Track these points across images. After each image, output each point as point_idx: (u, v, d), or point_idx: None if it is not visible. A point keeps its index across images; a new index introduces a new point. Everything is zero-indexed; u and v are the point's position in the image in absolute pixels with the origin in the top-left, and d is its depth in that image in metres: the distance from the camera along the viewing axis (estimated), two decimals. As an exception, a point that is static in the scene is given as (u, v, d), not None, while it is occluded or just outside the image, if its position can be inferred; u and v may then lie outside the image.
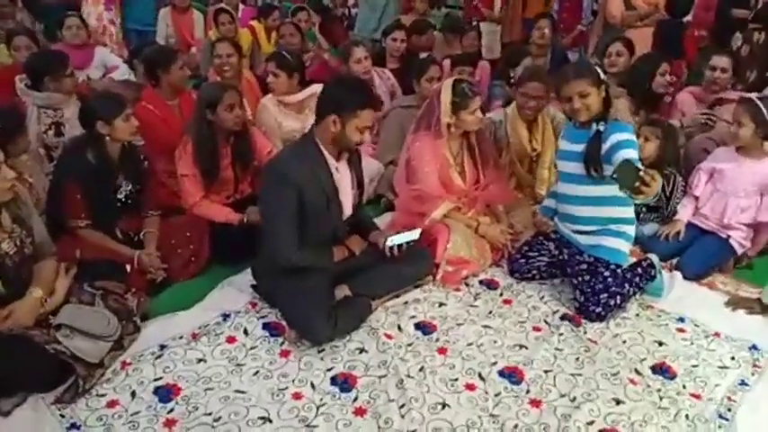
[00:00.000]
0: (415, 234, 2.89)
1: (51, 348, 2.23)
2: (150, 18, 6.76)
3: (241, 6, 7.10)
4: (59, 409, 2.21)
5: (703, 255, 3.24)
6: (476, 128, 3.27)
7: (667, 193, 3.51)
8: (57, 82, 3.54)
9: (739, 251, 3.30)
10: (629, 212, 2.95)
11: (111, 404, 2.25)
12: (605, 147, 2.73)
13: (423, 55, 5.35)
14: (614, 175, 2.33)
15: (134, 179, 3.04)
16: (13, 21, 5.74)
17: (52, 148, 3.52)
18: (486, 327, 2.77)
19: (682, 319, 2.86)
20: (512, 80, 4.72)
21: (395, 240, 2.82)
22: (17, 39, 4.43)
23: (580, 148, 2.86)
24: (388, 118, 4.21)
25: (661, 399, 2.36)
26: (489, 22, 6.23)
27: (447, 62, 5.00)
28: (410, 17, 6.39)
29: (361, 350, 2.58)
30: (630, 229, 2.95)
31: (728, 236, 3.27)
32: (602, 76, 2.83)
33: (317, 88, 4.10)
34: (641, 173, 2.23)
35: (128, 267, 2.83)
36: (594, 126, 2.80)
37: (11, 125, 2.83)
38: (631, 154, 2.60)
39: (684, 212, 3.42)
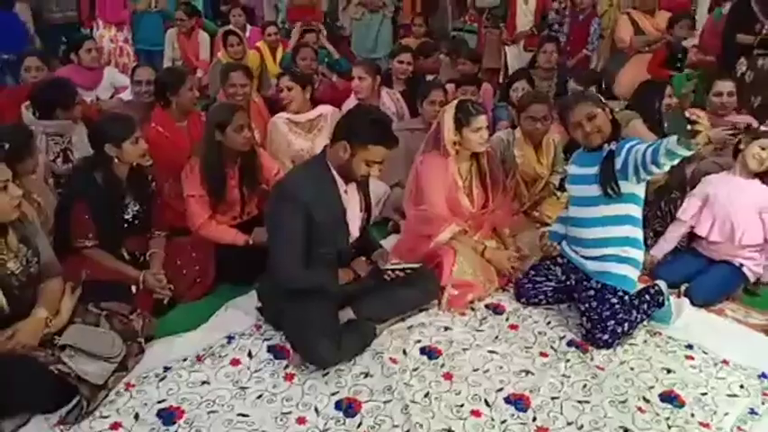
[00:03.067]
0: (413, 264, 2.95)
1: (55, 369, 2.22)
2: (158, 38, 6.82)
3: (249, 27, 7.15)
4: (62, 431, 2.20)
5: (713, 282, 3.21)
6: (481, 149, 3.27)
7: (674, 218, 3.50)
8: (67, 111, 3.55)
9: (752, 278, 3.27)
10: (639, 233, 2.94)
11: (115, 426, 2.24)
12: (620, 160, 2.76)
13: (429, 77, 5.39)
14: (667, 130, 2.50)
15: (141, 200, 3.05)
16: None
17: (61, 176, 3.47)
18: (492, 352, 2.75)
19: (690, 347, 2.82)
20: (509, 100, 4.77)
21: (392, 265, 2.85)
22: (28, 59, 4.46)
23: (593, 170, 2.87)
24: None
25: (669, 427, 2.33)
26: (515, 46, 6.30)
27: (451, 86, 5.02)
28: (412, 41, 6.46)
29: (366, 374, 2.56)
30: (639, 255, 2.93)
31: (741, 264, 3.24)
32: (602, 99, 2.86)
33: (326, 109, 4.14)
34: (687, 114, 2.33)
35: (133, 288, 2.82)
36: (606, 147, 2.82)
37: (19, 144, 2.84)
38: (643, 145, 2.66)
39: (658, 249, 3.41)
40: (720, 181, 3.34)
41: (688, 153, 2.49)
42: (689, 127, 2.32)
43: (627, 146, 2.75)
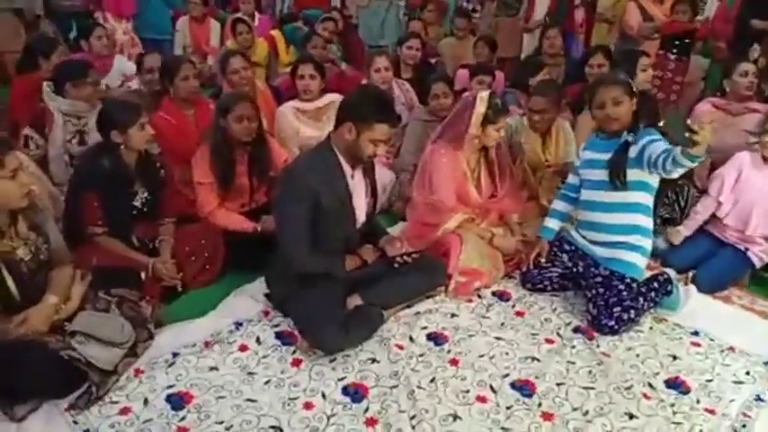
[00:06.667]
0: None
1: (65, 355, 2.25)
2: (166, 27, 6.81)
3: (258, 16, 7.14)
4: (73, 416, 2.23)
5: (720, 269, 3.20)
6: (494, 144, 3.27)
7: (681, 205, 3.49)
8: (77, 89, 3.55)
9: (758, 264, 3.25)
10: (649, 222, 2.93)
11: (124, 411, 2.27)
12: (635, 149, 2.76)
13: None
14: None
15: (150, 187, 3.06)
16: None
17: (76, 156, 3.53)
18: (498, 338, 2.76)
19: (696, 333, 2.83)
20: (530, 89, 4.74)
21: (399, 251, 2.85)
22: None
23: (607, 156, 2.87)
24: (408, 128, 4.23)
25: (675, 414, 2.34)
26: (532, 36, 6.30)
27: (464, 72, 5.00)
28: (417, 25, 6.45)
29: (373, 360, 2.58)
30: (648, 243, 2.93)
31: (747, 248, 3.23)
32: (635, 88, 2.83)
33: (334, 97, 4.14)
34: (689, 122, 2.30)
35: (143, 275, 2.84)
36: (624, 135, 2.81)
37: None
38: (663, 145, 2.64)
39: (690, 225, 3.39)
40: (753, 163, 3.27)
41: (693, 165, 2.49)
42: (687, 134, 2.30)
43: (645, 139, 2.73)
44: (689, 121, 2.29)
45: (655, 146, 2.66)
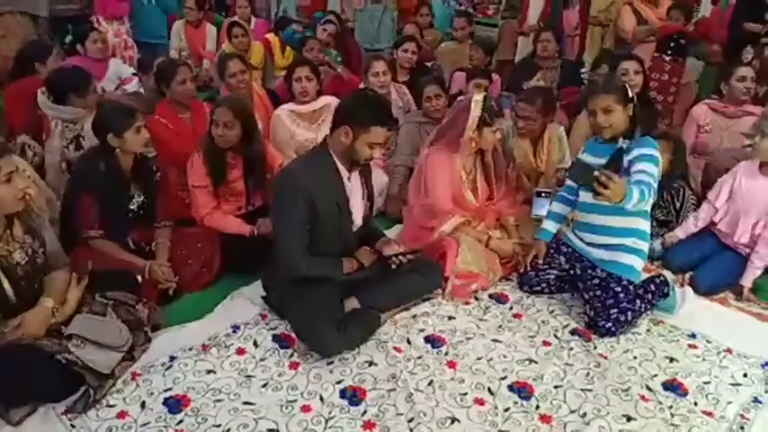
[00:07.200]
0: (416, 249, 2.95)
1: (62, 358, 2.24)
2: (162, 31, 6.81)
3: (254, 19, 7.14)
4: (70, 420, 2.22)
5: (719, 270, 3.21)
6: (490, 146, 3.28)
7: (677, 207, 3.50)
8: (82, 98, 3.51)
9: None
10: (647, 225, 2.94)
11: (121, 415, 2.26)
12: (627, 159, 2.76)
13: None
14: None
15: (146, 190, 3.06)
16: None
17: (73, 162, 3.47)
18: (495, 341, 2.76)
19: (693, 335, 2.84)
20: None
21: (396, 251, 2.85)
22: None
23: (603, 161, 2.87)
24: (402, 130, 4.23)
25: (672, 416, 2.34)
26: (527, 38, 6.33)
27: (461, 75, 5.00)
28: (412, 28, 6.47)
29: (371, 363, 2.58)
30: (646, 246, 2.94)
31: (747, 254, 3.22)
32: (631, 94, 2.82)
33: (329, 99, 4.15)
34: (596, 173, 2.35)
35: (139, 278, 2.83)
36: (620, 142, 2.81)
37: None
38: (650, 169, 2.65)
39: (684, 229, 3.41)
40: (748, 172, 3.26)
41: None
42: (594, 184, 2.36)
43: (638, 151, 2.73)
44: (596, 173, 2.35)
45: (638, 167, 2.68)
